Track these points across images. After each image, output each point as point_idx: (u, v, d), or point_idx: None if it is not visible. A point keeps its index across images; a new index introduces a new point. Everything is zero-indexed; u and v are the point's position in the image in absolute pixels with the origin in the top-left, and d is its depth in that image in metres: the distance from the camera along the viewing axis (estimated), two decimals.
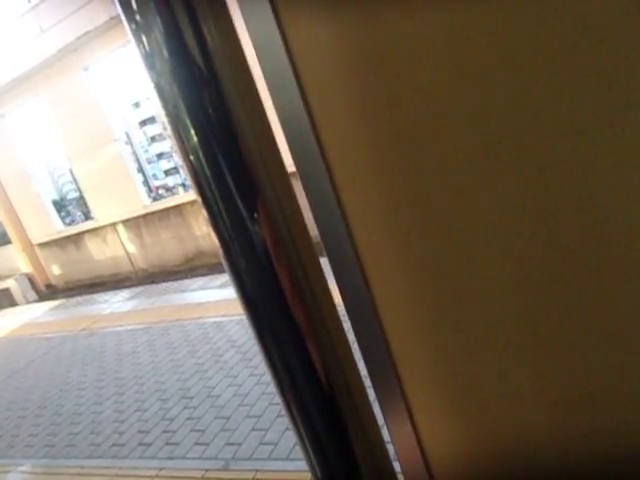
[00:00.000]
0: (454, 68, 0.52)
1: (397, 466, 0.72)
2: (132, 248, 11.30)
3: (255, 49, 0.59)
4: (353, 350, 0.63)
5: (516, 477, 0.68)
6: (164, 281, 8.64)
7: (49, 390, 4.83)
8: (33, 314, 8.48)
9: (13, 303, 12.01)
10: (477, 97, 0.52)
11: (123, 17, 0.47)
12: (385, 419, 0.70)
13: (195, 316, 5.50)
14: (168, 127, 0.50)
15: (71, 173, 11.74)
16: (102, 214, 11.34)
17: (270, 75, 0.59)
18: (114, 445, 3.52)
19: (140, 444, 3.45)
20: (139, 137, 11.00)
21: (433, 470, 0.71)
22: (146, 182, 10.90)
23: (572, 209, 0.53)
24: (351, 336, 0.67)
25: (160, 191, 11.13)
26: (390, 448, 0.68)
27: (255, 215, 0.49)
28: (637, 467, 0.60)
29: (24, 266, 12.83)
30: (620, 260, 0.53)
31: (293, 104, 0.58)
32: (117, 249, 11.51)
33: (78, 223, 12.14)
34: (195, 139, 0.48)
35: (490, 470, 0.70)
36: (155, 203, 10.71)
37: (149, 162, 11.17)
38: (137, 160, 10.75)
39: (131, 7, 0.46)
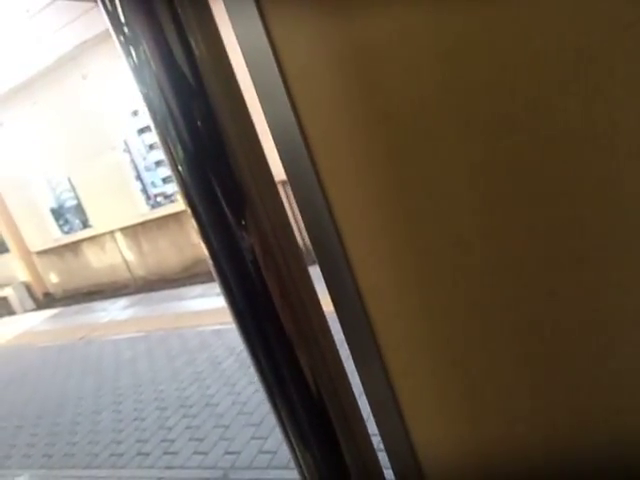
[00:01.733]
0: (442, 74, 0.52)
1: (389, 473, 0.73)
2: (130, 256, 11.29)
3: (243, 54, 0.60)
4: (343, 358, 0.63)
5: (508, 479, 0.68)
6: (162, 289, 8.63)
7: (47, 400, 4.81)
8: (31, 323, 8.46)
9: (11, 312, 11.97)
10: (467, 105, 0.52)
11: (111, 30, 0.47)
12: (377, 423, 0.70)
13: (194, 324, 5.49)
14: (157, 138, 0.50)
15: (69, 181, 11.75)
16: (100, 222, 11.34)
17: (259, 83, 0.59)
18: (112, 455, 3.50)
19: (139, 453, 3.44)
20: (137, 145, 11.02)
21: (425, 472, 0.71)
22: (144, 190, 10.91)
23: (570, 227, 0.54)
24: (340, 341, 0.67)
25: (158, 199, 11.13)
26: (380, 454, 0.68)
27: (243, 224, 0.50)
28: (631, 476, 0.60)
29: (22, 274, 12.81)
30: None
31: (280, 107, 0.58)
32: (115, 257, 11.50)
33: (76, 231, 12.13)
34: (183, 150, 0.48)
35: (482, 472, 0.70)
36: (153, 211, 10.72)
37: (147, 170, 11.18)
38: (135, 168, 10.77)
39: (119, 20, 0.46)
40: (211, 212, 0.49)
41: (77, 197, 11.82)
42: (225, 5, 0.59)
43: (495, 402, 0.65)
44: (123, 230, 11.06)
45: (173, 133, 0.48)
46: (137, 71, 0.48)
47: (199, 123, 0.49)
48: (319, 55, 0.56)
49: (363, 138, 0.58)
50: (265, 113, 0.62)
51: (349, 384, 0.61)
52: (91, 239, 11.71)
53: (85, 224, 11.96)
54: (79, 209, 11.95)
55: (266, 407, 3.35)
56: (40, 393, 5.03)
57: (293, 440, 0.57)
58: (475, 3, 0.50)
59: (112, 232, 11.24)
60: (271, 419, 3.20)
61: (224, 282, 0.52)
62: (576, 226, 0.53)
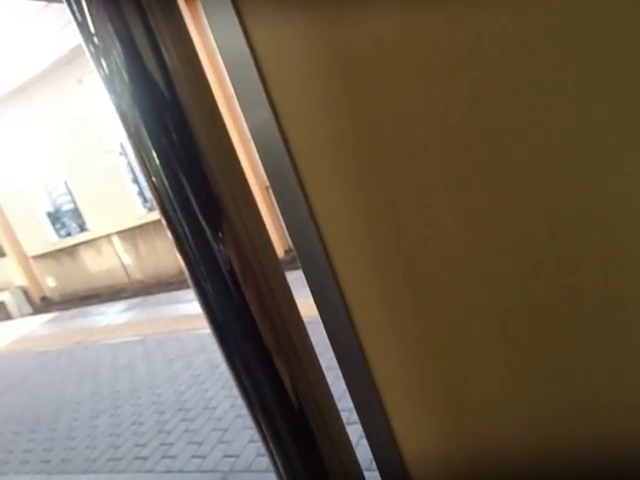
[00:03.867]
0: (421, 82, 0.52)
1: (375, 476, 0.73)
2: (127, 259, 11.27)
3: (224, 63, 0.59)
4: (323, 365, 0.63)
5: (493, 477, 0.69)
6: (160, 292, 8.61)
7: (44, 405, 4.79)
8: (28, 328, 8.43)
9: (8, 316, 11.95)
10: (453, 116, 0.52)
11: (82, 40, 0.47)
12: (361, 422, 0.71)
13: (191, 327, 5.49)
14: (130, 149, 0.50)
15: (66, 185, 11.73)
16: (97, 225, 11.32)
17: (240, 91, 0.59)
18: (110, 459, 3.49)
19: (137, 457, 3.43)
20: None
21: (411, 472, 0.72)
22: (141, 193, 10.88)
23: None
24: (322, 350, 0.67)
25: None
26: (359, 455, 0.68)
27: (220, 235, 0.49)
28: (620, 471, 0.60)
29: (19, 279, 12.78)
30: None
31: (260, 107, 0.58)
32: (112, 260, 11.48)
33: (73, 235, 12.10)
34: (157, 161, 0.47)
35: (468, 471, 0.70)
36: (151, 213, 10.69)
37: None
38: (132, 171, 10.74)
39: (89, 31, 0.46)
40: (187, 224, 0.49)
41: (74, 201, 11.79)
42: (205, 14, 0.59)
43: (481, 403, 0.65)
44: (120, 233, 11.04)
45: (147, 144, 0.48)
46: (108, 82, 0.47)
47: (173, 134, 0.48)
48: (300, 61, 0.56)
49: (346, 146, 0.58)
50: (247, 121, 0.62)
51: (328, 391, 0.61)
52: (88, 243, 11.69)
53: (82, 228, 11.94)
54: (76, 213, 11.93)
55: None
56: (38, 398, 5.01)
57: (272, 447, 0.56)
58: (457, 10, 0.49)
59: (109, 235, 11.22)
60: None
61: (201, 294, 0.51)
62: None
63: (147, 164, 0.48)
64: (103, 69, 0.46)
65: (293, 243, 0.65)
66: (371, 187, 0.58)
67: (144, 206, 10.88)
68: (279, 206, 0.64)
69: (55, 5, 9.04)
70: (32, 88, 10.57)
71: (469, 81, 0.50)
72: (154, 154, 0.47)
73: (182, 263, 0.50)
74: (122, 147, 10.63)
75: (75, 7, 0.45)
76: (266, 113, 0.59)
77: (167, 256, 10.52)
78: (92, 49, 0.46)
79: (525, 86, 0.49)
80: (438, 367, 0.65)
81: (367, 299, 0.64)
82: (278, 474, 0.57)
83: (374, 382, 0.67)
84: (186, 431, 3.57)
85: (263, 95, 0.58)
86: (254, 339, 0.50)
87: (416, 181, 0.56)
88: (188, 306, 6.54)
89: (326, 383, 0.60)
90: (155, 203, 0.50)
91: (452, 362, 0.64)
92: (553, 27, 0.47)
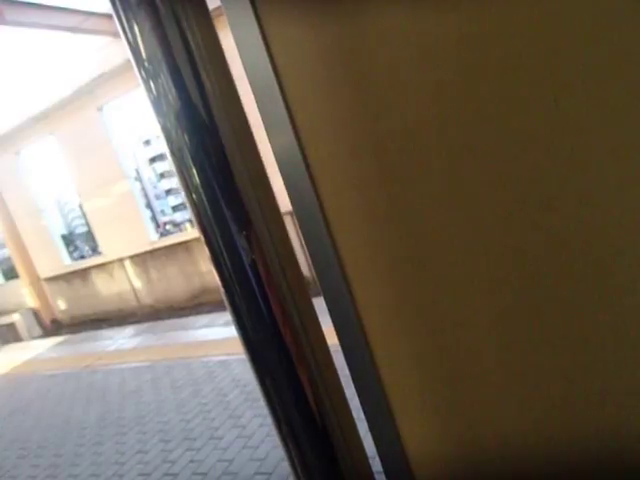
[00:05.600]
0: (444, 79, 0.53)
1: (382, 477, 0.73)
2: (138, 284, 11.33)
3: (252, 89, 0.62)
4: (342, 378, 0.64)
5: (497, 478, 0.68)
6: (169, 317, 8.60)
7: (50, 429, 4.74)
8: (37, 350, 8.43)
9: (18, 338, 11.97)
10: (470, 111, 0.53)
11: (134, 64, 0.49)
12: (368, 424, 0.71)
13: (200, 354, 5.44)
14: (173, 167, 0.51)
15: (80, 208, 11.97)
16: (110, 249, 11.44)
17: (265, 114, 0.61)
18: None
19: None
20: (148, 173, 11.24)
21: (416, 473, 0.71)
22: (154, 218, 11.05)
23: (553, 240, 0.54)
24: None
25: (167, 227, 11.28)
26: (373, 462, 0.69)
27: (251, 251, 0.51)
28: (622, 471, 0.60)
29: (30, 300, 12.86)
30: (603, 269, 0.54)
31: (285, 138, 0.60)
32: (123, 284, 11.54)
33: (86, 257, 12.22)
34: (197, 179, 0.49)
35: (472, 472, 0.70)
36: (162, 239, 10.81)
37: (158, 198, 11.40)
38: (146, 196, 10.97)
39: (141, 55, 0.48)
40: (223, 241, 0.50)
41: (88, 224, 11.97)
42: (233, 35, 0.61)
43: (484, 404, 0.65)
44: (132, 258, 11.14)
45: (188, 162, 0.49)
46: (156, 103, 0.49)
47: (211, 154, 0.50)
48: (321, 82, 0.58)
49: (363, 164, 0.59)
50: (271, 143, 0.64)
51: (346, 400, 0.62)
52: (100, 266, 11.79)
53: (94, 250, 12.07)
54: (89, 236, 12.10)
55: (271, 441, 3.28)
56: (44, 422, 4.96)
57: (295, 457, 0.57)
58: (461, 3, 0.51)
59: (121, 259, 11.31)
60: (276, 453, 3.13)
61: (235, 312, 0.52)
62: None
63: (188, 181, 0.50)
64: (152, 92, 0.49)
65: (314, 268, 0.66)
66: (384, 202, 0.60)
67: (156, 231, 11.00)
68: (300, 226, 0.65)
69: (79, 36, 9.42)
70: (54, 115, 10.91)
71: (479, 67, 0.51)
72: (194, 172, 0.49)
73: (218, 280, 0.51)
74: (137, 172, 10.83)
75: (129, 33, 0.48)
76: (288, 135, 0.61)
77: (177, 282, 10.56)
78: (143, 73, 0.49)
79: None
80: (443, 370, 0.66)
81: (377, 299, 0.65)
82: (292, 462, 0.57)
83: (382, 385, 0.69)
84: (191, 461, 3.50)
85: (286, 118, 0.60)
86: (282, 354, 0.51)
87: (433, 197, 0.57)
88: (197, 333, 6.51)
89: (342, 389, 0.61)
90: (194, 220, 0.52)
91: (456, 366, 0.65)
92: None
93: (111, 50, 9.48)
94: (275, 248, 0.53)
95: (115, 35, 9.36)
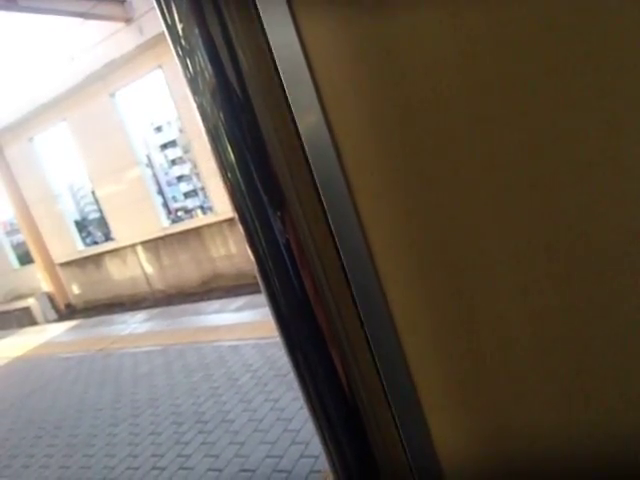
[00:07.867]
0: (472, 76, 0.53)
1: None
2: (150, 269, 11.43)
3: (283, 77, 0.61)
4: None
5: (526, 476, 0.68)
6: (181, 303, 8.68)
7: (66, 410, 4.84)
8: (52, 333, 8.57)
9: (33, 322, 12.17)
10: (497, 105, 0.52)
11: (170, 43, 0.49)
12: (398, 418, 0.71)
13: (211, 339, 5.50)
14: (208, 145, 0.52)
15: (93, 194, 12.06)
16: (122, 235, 11.54)
17: (295, 98, 0.61)
18: (128, 468, 3.49)
19: (154, 468, 3.42)
20: (160, 160, 11.28)
21: (444, 468, 0.71)
22: (165, 204, 11.10)
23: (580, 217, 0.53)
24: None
25: (179, 213, 11.33)
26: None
27: (284, 229, 0.51)
28: None
29: (45, 285, 13.05)
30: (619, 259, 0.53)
31: (315, 124, 0.60)
32: (136, 270, 11.65)
33: (98, 243, 12.35)
34: (232, 157, 0.49)
35: (500, 468, 0.70)
36: (174, 225, 10.87)
37: (169, 184, 11.46)
38: (157, 182, 11.01)
39: (177, 34, 0.48)
40: (258, 219, 0.50)
41: (100, 210, 12.07)
42: (262, 16, 0.61)
43: (516, 404, 0.65)
44: (144, 244, 11.23)
45: (224, 141, 0.50)
46: (193, 82, 0.49)
47: (246, 133, 0.50)
48: (353, 74, 0.57)
49: (395, 157, 0.59)
50: (300, 128, 0.63)
51: (378, 378, 0.62)
52: (113, 252, 11.91)
53: (107, 237, 12.19)
54: (102, 222, 12.20)
55: (282, 425, 3.32)
56: (60, 403, 5.07)
57: (325, 431, 0.58)
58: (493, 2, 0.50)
59: (133, 245, 11.41)
60: (287, 438, 3.17)
61: (268, 289, 0.52)
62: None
63: (223, 160, 0.50)
64: (189, 70, 0.49)
65: (343, 254, 0.66)
66: (415, 185, 0.59)
67: (168, 217, 11.07)
68: (329, 210, 0.65)
69: (91, 22, 9.42)
70: (66, 102, 10.95)
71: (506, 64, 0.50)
72: (230, 151, 0.49)
73: (252, 258, 0.52)
74: (149, 159, 10.87)
75: (166, 10, 0.48)
76: (318, 120, 0.60)
77: (188, 268, 10.64)
78: (179, 51, 0.49)
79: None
80: (474, 367, 0.66)
81: (407, 295, 0.65)
82: (330, 457, 0.58)
83: (412, 381, 0.68)
84: (203, 444, 3.55)
85: (316, 100, 0.59)
86: (313, 329, 0.52)
87: (458, 185, 0.56)
88: (208, 318, 6.57)
89: (374, 367, 0.61)
90: (229, 198, 0.52)
91: (488, 363, 0.65)
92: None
93: (122, 36, 9.46)
94: (309, 227, 0.53)
95: (127, 21, 9.34)
